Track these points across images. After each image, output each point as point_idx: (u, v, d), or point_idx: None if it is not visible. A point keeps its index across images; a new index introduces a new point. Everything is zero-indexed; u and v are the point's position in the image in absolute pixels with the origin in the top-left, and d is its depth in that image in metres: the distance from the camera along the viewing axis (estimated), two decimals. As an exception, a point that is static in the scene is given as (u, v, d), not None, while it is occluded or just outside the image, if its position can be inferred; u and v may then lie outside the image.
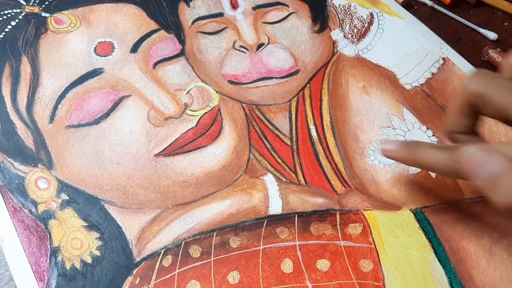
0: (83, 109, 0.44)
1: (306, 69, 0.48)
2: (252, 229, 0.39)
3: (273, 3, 0.52)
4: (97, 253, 0.38)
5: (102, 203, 0.40)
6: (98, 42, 0.48)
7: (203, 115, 0.44)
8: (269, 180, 0.41)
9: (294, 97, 0.46)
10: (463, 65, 0.48)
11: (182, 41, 0.49)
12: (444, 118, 0.40)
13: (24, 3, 0.50)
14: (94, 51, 0.47)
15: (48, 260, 0.37)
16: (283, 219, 0.39)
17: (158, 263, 0.37)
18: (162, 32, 0.49)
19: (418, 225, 0.38)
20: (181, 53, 0.48)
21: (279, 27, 0.51)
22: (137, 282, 0.36)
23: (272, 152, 0.43)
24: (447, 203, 0.39)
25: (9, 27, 0.48)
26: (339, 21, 0.52)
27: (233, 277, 0.36)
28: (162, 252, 0.38)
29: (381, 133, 0.44)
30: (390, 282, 0.36)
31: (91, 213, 0.39)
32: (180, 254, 0.38)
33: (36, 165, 0.41)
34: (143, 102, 0.45)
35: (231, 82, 0.47)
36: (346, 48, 0.50)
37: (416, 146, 0.35)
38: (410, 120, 0.44)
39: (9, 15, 0.49)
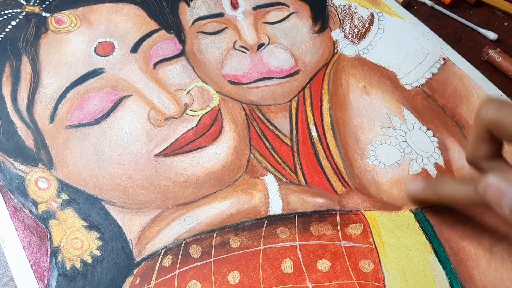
0: (83, 109, 0.44)
1: (306, 69, 0.48)
2: (253, 229, 0.39)
3: (274, 3, 0.52)
4: (98, 253, 0.38)
5: (103, 203, 0.40)
6: (99, 42, 0.48)
7: (203, 115, 0.44)
8: (270, 180, 0.41)
9: (294, 97, 0.46)
10: (463, 66, 0.48)
11: (182, 41, 0.49)
12: (465, 147, 0.41)
13: (25, 3, 0.50)
14: (95, 51, 0.47)
15: (48, 260, 0.37)
16: (284, 219, 0.39)
17: (158, 263, 0.37)
18: (163, 32, 0.49)
19: (418, 226, 0.38)
20: (182, 53, 0.48)
21: (280, 27, 0.51)
22: (137, 282, 0.36)
23: (273, 152, 0.43)
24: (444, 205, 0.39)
25: (10, 27, 0.48)
26: (340, 21, 0.52)
27: (234, 277, 0.36)
28: (162, 252, 0.38)
29: (381, 134, 0.44)
30: (391, 283, 0.36)
31: (91, 213, 0.39)
32: (180, 254, 0.38)
33: (36, 165, 0.41)
34: (143, 102, 0.45)
35: (231, 82, 0.47)
36: (347, 48, 0.50)
37: (437, 183, 0.37)
38: (411, 121, 0.44)
39: (9, 15, 0.49)
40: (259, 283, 0.36)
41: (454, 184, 0.35)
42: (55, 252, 0.38)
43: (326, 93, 0.46)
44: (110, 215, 0.39)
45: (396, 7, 0.54)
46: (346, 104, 0.46)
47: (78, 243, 0.38)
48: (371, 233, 0.38)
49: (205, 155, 0.42)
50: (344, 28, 0.51)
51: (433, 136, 0.44)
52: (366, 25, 0.52)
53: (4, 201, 0.40)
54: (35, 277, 0.37)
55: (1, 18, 0.49)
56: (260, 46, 0.49)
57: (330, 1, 0.53)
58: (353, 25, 0.52)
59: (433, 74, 0.48)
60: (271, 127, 0.44)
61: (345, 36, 0.51)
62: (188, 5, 0.52)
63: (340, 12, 0.53)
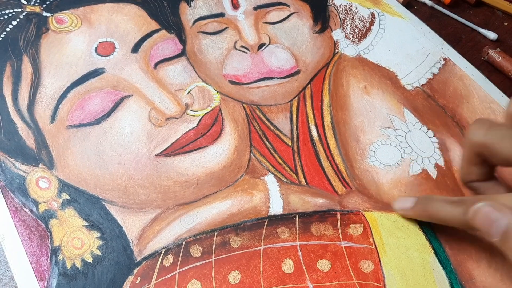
0: (84, 109, 0.44)
1: (307, 69, 0.48)
2: (253, 229, 0.39)
3: (274, 3, 0.52)
4: (98, 252, 0.38)
5: (103, 203, 0.40)
6: (99, 42, 0.48)
7: (204, 115, 0.44)
8: (270, 180, 0.41)
9: (295, 97, 0.46)
10: (464, 66, 0.48)
11: (183, 41, 0.49)
12: (459, 169, 0.41)
13: (25, 3, 0.50)
14: (95, 51, 0.47)
15: (48, 259, 0.37)
16: (284, 219, 0.39)
17: (159, 263, 0.37)
18: (163, 32, 0.49)
19: (418, 226, 0.38)
20: (182, 53, 0.48)
21: (280, 27, 0.51)
22: (137, 281, 0.37)
23: (273, 152, 0.43)
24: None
25: (10, 26, 0.48)
26: (340, 21, 0.52)
27: (234, 277, 0.36)
28: (163, 252, 0.38)
29: (382, 134, 0.44)
30: (391, 283, 0.36)
31: (92, 213, 0.39)
32: (181, 253, 0.38)
33: (37, 165, 0.41)
34: (144, 102, 0.45)
35: (232, 82, 0.47)
36: (347, 48, 0.50)
37: (428, 202, 0.36)
38: (411, 121, 0.44)
39: (10, 15, 0.49)
40: (260, 283, 0.36)
41: (444, 205, 0.34)
42: (55, 251, 0.38)
43: (326, 93, 0.46)
44: (111, 215, 0.40)
45: (397, 6, 0.54)
46: (347, 104, 0.46)
47: (78, 242, 0.38)
48: (372, 234, 0.38)
49: (206, 155, 0.42)
50: (345, 28, 0.51)
51: (433, 136, 0.44)
52: (367, 25, 0.52)
53: (5, 200, 0.40)
54: (36, 276, 0.37)
55: (2, 18, 0.49)
56: (261, 46, 0.49)
57: (330, 1, 0.53)
58: (354, 25, 0.52)
59: (434, 74, 0.48)
60: (271, 127, 0.44)
61: (345, 36, 0.51)
62: (189, 5, 0.52)
63: (341, 12, 0.53)
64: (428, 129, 0.44)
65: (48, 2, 0.50)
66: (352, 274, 0.36)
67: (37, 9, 0.50)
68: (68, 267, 0.37)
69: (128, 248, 0.38)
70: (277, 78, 0.47)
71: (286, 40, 0.50)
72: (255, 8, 0.51)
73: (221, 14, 0.51)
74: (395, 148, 0.43)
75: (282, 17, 0.51)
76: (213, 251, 0.38)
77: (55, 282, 0.36)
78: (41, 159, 0.42)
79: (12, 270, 0.37)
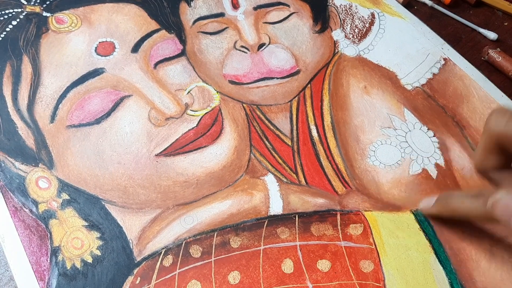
0: (84, 109, 0.44)
1: (307, 69, 0.48)
2: (253, 229, 0.39)
3: (274, 3, 0.52)
4: (98, 252, 0.38)
5: (103, 203, 0.40)
6: (99, 42, 0.48)
7: (204, 115, 0.44)
8: (270, 180, 0.41)
9: (295, 97, 0.46)
10: (464, 66, 0.48)
11: (183, 41, 0.49)
12: (473, 156, 0.41)
13: (25, 3, 0.50)
14: (95, 51, 0.47)
15: (48, 259, 0.37)
16: (284, 219, 0.39)
17: (158, 263, 0.37)
18: (163, 32, 0.49)
19: (418, 226, 0.38)
20: (182, 53, 0.48)
21: (280, 27, 0.51)
22: (137, 282, 0.36)
23: (273, 152, 0.43)
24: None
25: (10, 26, 0.48)
26: (340, 21, 0.52)
27: (234, 277, 0.36)
28: (162, 252, 0.38)
29: (382, 134, 0.44)
30: (391, 283, 0.36)
31: (91, 213, 0.39)
32: (180, 254, 0.38)
33: (37, 164, 0.41)
34: (144, 102, 0.45)
35: (232, 82, 0.47)
36: (347, 48, 0.50)
37: (448, 198, 0.37)
38: (411, 121, 0.44)
39: (10, 15, 0.49)
40: (260, 283, 0.36)
41: (464, 199, 0.35)
42: (55, 251, 0.38)
43: (326, 93, 0.46)
44: (111, 215, 0.39)
45: (397, 7, 0.54)
46: (347, 104, 0.46)
47: (78, 242, 0.38)
48: (372, 234, 0.38)
49: (206, 155, 0.42)
50: (345, 28, 0.51)
51: (433, 136, 0.44)
52: (367, 25, 0.52)
53: (5, 200, 0.40)
54: (36, 276, 0.37)
55: (2, 18, 0.49)
56: (261, 46, 0.49)
57: (330, 1, 0.53)
58: (354, 25, 0.52)
59: (434, 74, 0.48)
60: (271, 127, 0.44)
61: (345, 36, 0.51)
62: (189, 5, 0.52)
63: (341, 12, 0.53)
64: (428, 129, 0.44)
65: (48, 2, 0.50)
66: (352, 274, 0.36)
67: (37, 9, 0.50)
68: (68, 268, 0.37)
69: (128, 248, 0.38)
70: (277, 78, 0.47)
71: (286, 40, 0.50)
72: (255, 8, 0.51)
73: (221, 14, 0.51)
74: (395, 148, 0.43)
75: (282, 17, 0.51)
76: (213, 251, 0.38)
77: (55, 283, 0.36)
78: (40, 159, 0.42)
79: (12, 270, 0.37)
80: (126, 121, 0.44)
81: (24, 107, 0.44)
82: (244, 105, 0.46)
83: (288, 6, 0.52)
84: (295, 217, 0.39)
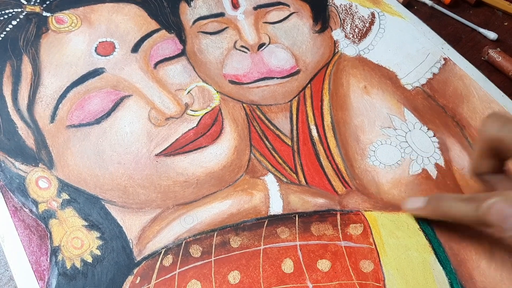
0: (84, 109, 0.44)
1: (307, 69, 0.48)
2: (253, 229, 0.39)
3: (274, 3, 0.52)
4: (98, 252, 0.38)
5: (103, 203, 0.40)
6: (99, 42, 0.48)
7: (204, 115, 0.44)
8: (270, 180, 0.41)
9: (295, 97, 0.46)
10: (464, 66, 0.48)
11: (183, 41, 0.49)
12: (470, 160, 0.42)
13: (25, 3, 0.50)
14: (95, 50, 0.47)
15: (48, 259, 0.37)
16: (284, 219, 0.39)
17: (158, 263, 0.37)
18: (163, 32, 0.49)
19: (418, 226, 0.38)
20: (182, 53, 0.48)
21: (280, 27, 0.51)
22: (137, 281, 0.36)
23: (273, 152, 0.43)
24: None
25: (10, 26, 0.48)
26: (340, 21, 0.52)
27: (234, 277, 0.36)
28: (162, 252, 0.38)
29: (382, 134, 0.44)
30: (391, 283, 0.36)
31: (91, 213, 0.39)
32: (180, 253, 0.38)
33: (37, 164, 0.41)
34: (144, 102, 0.45)
35: (232, 82, 0.47)
36: (347, 48, 0.50)
37: (440, 200, 0.36)
38: (411, 121, 0.44)
39: (10, 15, 0.49)
40: (260, 283, 0.36)
41: (457, 203, 0.34)
42: (55, 251, 0.38)
43: (326, 93, 0.46)
44: (111, 215, 0.39)
45: (397, 6, 0.54)
46: (347, 104, 0.46)
47: (78, 242, 0.38)
48: (372, 234, 0.38)
49: (206, 155, 0.42)
50: (345, 28, 0.51)
51: (433, 136, 0.44)
52: (367, 24, 0.52)
53: (5, 200, 0.40)
54: (35, 276, 0.37)
55: (2, 18, 0.49)
56: (261, 46, 0.49)
57: (330, 1, 0.53)
58: (354, 25, 0.52)
59: (434, 74, 0.48)
60: (271, 127, 0.44)
61: (345, 36, 0.51)
62: (189, 5, 0.52)
63: (341, 11, 0.53)
64: (428, 129, 0.44)
65: (48, 2, 0.50)
66: (352, 274, 0.36)
67: (37, 9, 0.50)
68: (68, 267, 0.37)
69: (128, 248, 0.38)
70: (277, 78, 0.47)
71: (286, 40, 0.50)
72: (255, 8, 0.51)
73: (221, 14, 0.51)
74: (395, 148, 0.43)
75: (282, 17, 0.51)
76: (213, 251, 0.38)
77: (54, 282, 0.36)
78: (40, 159, 0.42)
79: (12, 270, 0.37)
80: (126, 121, 0.44)
81: (24, 107, 0.44)
82: (244, 105, 0.46)
83: (288, 6, 0.52)
84: (295, 217, 0.39)
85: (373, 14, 0.53)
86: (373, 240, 0.38)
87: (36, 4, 0.50)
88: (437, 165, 0.42)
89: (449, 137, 0.44)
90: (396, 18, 0.53)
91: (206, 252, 0.37)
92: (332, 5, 0.53)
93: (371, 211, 0.39)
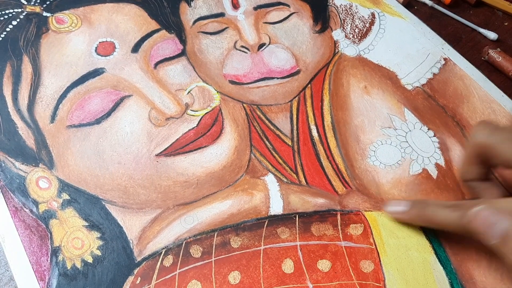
0: (84, 109, 0.44)
1: (307, 69, 0.48)
2: (253, 229, 0.39)
3: (274, 3, 0.52)
4: (98, 252, 0.38)
5: (103, 203, 0.40)
6: (99, 42, 0.48)
7: (204, 115, 0.44)
8: (270, 180, 0.41)
9: (295, 97, 0.46)
10: (464, 66, 0.48)
11: (183, 41, 0.49)
12: (458, 166, 0.42)
13: (25, 3, 0.50)
14: (95, 51, 0.47)
15: (49, 259, 0.37)
16: (284, 219, 0.39)
17: (159, 263, 0.37)
18: (163, 32, 0.49)
19: (418, 226, 0.38)
20: (182, 53, 0.48)
21: (280, 27, 0.51)
22: (138, 282, 0.36)
23: (273, 152, 0.43)
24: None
25: (10, 26, 0.48)
26: (340, 21, 0.52)
27: (234, 277, 0.36)
28: (163, 252, 0.38)
29: (382, 134, 0.44)
30: (391, 283, 0.36)
31: (92, 213, 0.39)
32: (181, 254, 0.38)
33: (37, 164, 0.41)
34: (144, 102, 0.45)
35: (232, 82, 0.47)
36: (347, 48, 0.50)
37: (424, 206, 0.36)
38: (411, 121, 0.44)
39: (10, 15, 0.49)
40: (260, 283, 0.36)
41: (441, 210, 0.34)
42: (55, 251, 0.38)
43: (327, 93, 0.46)
44: (111, 215, 0.40)
45: (397, 6, 0.54)
46: (347, 104, 0.46)
47: (78, 242, 0.38)
48: (372, 234, 0.38)
49: (206, 155, 0.42)
50: (345, 28, 0.51)
51: (434, 136, 0.44)
52: (367, 25, 0.52)
53: (5, 200, 0.40)
54: (36, 276, 0.37)
55: (2, 18, 0.49)
56: (261, 46, 0.49)
57: (331, 1, 0.53)
58: (354, 25, 0.52)
59: (434, 74, 0.48)
60: (271, 127, 0.44)
61: (346, 36, 0.51)
62: (189, 5, 0.52)
63: (341, 12, 0.53)
64: (428, 129, 0.44)
65: (48, 2, 0.50)
66: (352, 274, 0.36)
67: (37, 9, 0.50)
68: (68, 268, 0.37)
69: (128, 248, 0.38)
70: (277, 78, 0.47)
71: (286, 40, 0.50)
72: (255, 8, 0.51)
73: (221, 14, 0.51)
74: (395, 148, 0.43)
75: (282, 17, 0.51)
76: (213, 251, 0.38)
77: (55, 283, 0.36)
78: (41, 159, 0.42)
79: (12, 270, 0.37)
80: (127, 121, 0.44)
81: (24, 107, 0.44)
82: (244, 105, 0.46)
83: (288, 6, 0.52)
84: (295, 217, 0.39)
85: (373, 15, 0.53)
86: (374, 240, 0.38)
87: (36, 4, 0.50)
88: (437, 165, 0.42)
89: (449, 137, 0.44)
90: (396, 18, 0.53)
91: (207, 253, 0.37)
92: (332, 5, 0.53)
93: (371, 211, 0.39)
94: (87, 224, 0.39)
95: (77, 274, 0.37)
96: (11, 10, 0.50)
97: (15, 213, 0.39)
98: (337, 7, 0.53)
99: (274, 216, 0.39)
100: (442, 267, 0.36)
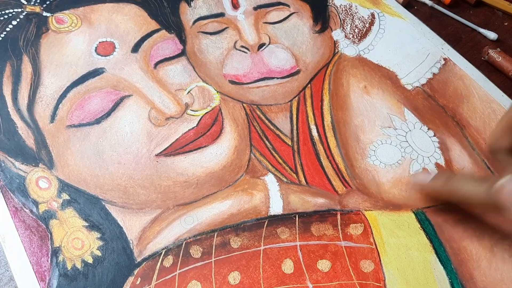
0: (84, 108, 0.44)
1: (307, 69, 0.48)
2: (253, 230, 0.39)
3: (274, 3, 0.52)
4: (98, 253, 0.38)
5: (103, 203, 0.40)
6: (99, 42, 0.48)
7: (204, 115, 0.44)
8: (270, 180, 0.41)
9: (295, 97, 0.46)
10: (464, 66, 0.48)
11: (183, 41, 0.49)
12: (489, 135, 0.41)
13: (25, 3, 0.50)
14: (95, 50, 0.47)
15: (49, 260, 0.37)
16: (284, 219, 0.39)
17: (159, 264, 0.37)
18: (163, 32, 0.49)
19: (419, 226, 0.38)
20: (182, 53, 0.48)
21: (280, 27, 0.51)
22: (138, 282, 0.36)
23: (273, 152, 0.43)
24: (448, 204, 0.39)
25: (10, 26, 0.48)
26: (340, 21, 0.52)
27: (234, 277, 0.36)
28: (163, 253, 0.38)
29: (382, 133, 0.44)
30: (391, 283, 0.36)
31: (92, 213, 0.39)
32: (181, 254, 0.38)
33: (37, 164, 0.41)
34: (144, 102, 0.45)
35: (232, 82, 0.47)
36: (347, 48, 0.50)
37: (450, 178, 0.35)
38: (411, 121, 0.44)
39: (10, 15, 0.49)
40: (260, 284, 0.36)
41: (466, 182, 0.34)
42: (56, 252, 0.38)
43: (326, 93, 0.46)
44: (111, 215, 0.39)
45: (396, 7, 0.54)
46: (347, 104, 0.46)
47: (79, 243, 0.38)
48: (372, 233, 0.38)
49: (206, 155, 0.42)
50: (345, 28, 0.51)
51: (433, 136, 0.44)
52: (367, 25, 0.52)
53: (5, 200, 0.40)
54: (36, 277, 0.37)
55: (2, 18, 0.49)
56: (261, 46, 0.49)
57: (330, 1, 0.53)
58: (354, 25, 0.52)
59: (434, 74, 0.48)
60: (271, 127, 0.44)
61: (345, 36, 0.51)
62: (189, 5, 0.52)
63: (341, 12, 0.53)
64: (428, 129, 0.44)
65: (48, 2, 0.50)
66: (352, 274, 0.36)
67: (37, 9, 0.50)
68: (69, 268, 0.37)
69: (128, 248, 0.38)
70: (277, 78, 0.47)
71: (286, 40, 0.50)
72: (255, 8, 0.51)
73: (221, 14, 0.51)
74: (395, 148, 0.43)
75: (282, 17, 0.51)
76: (213, 251, 0.38)
77: (55, 283, 0.36)
78: (41, 159, 0.42)
79: (12, 271, 0.37)
80: (126, 121, 0.44)
81: (24, 107, 0.44)
82: (244, 105, 0.46)
83: (288, 6, 0.52)
84: (295, 217, 0.39)
85: (373, 15, 0.53)
86: (374, 240, 0.38)
87: (36, 4, 0.50)
88: (437, 165, 0.42)
89: (449, 137, 0.44)
90: (396, 18, 0.53)
91: (206, 253, 0.37)
92: (332, 5, 0.53)
93: (371, 210, 0.39)
94: (87, 224, 0.39)
95: (77, 275, 0.37)
96: (11, 10, 0.50)
97: (15, 213, 0.39)
98: (337, 7, 0.53)
99: (274, 216, 0.39)
100: (442, 267, 0.36)
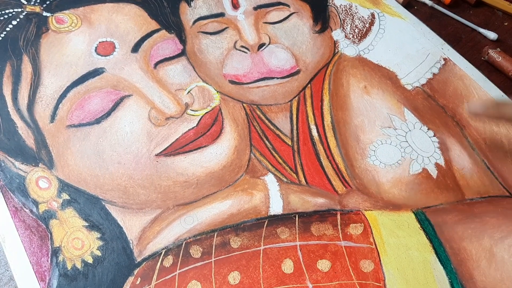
0: (84, 108, 0.44)
1: (307, 69, 0.48)
2: (253, 230, 0.39)
3: (274, 3, 0.52)
4: (98, 253, 0.38)
5: (103, 203, 0.40)
6: (99, 42, 0.48)
7: (204, 115, 0.44)
8: (270, 180, 0.41)
9: (295, 97, 0.46)
10: (464, 66, 0.48)
11: (183, 41, 0.49)
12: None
13: (25, 3, 0.50)
14: (95, 50, 0.47)
15: (49, 260, 0.37)
16: (284, 219, 0.39)
17: (159, 264, 0.37)
18: (163, 32, 0.49)
19: (419, 226, 0.38)
20: (182, 53, 0.48)
21: (280, 27, 0.51)
22: (138, 282, 0.36)
23: (273, 152, 0.43)
24: (448, 204, 0.39)
25: (10, 26, 0.48)
26: (340, 21, 0.52)
27: (234, 277, 0.36)
28: (163, 253, 0.38)
29: (382, 134, 0.44)
30: (391, 283, 0.36)
31: (92, 213, 0.39)
32: (181, 254, 0.38)
33: (37, 164, 0.41)
34: (144, 102, 0.45)
35: (232, 82, 0.47)
36: (347, 48, 0.50)
37: (502, 103, 0.38)
38: (411, 121, 0.44)
39: (10, 15, 0.49)
40: (260, 283, 0.36)
41: None
42: (56, 252, 0.38)
43: (326, 93, 0.46)
44: (111, 215, 0.40)
45: (397, 7, 0.54)
46: (347, 104, 0.46)
47: (79, 243, 0.38)
48: (372, 233, 0.38)
49: (206, 155, 0.42)
50: (345, 28, 0.51)
51: (433, 136, 0.44)
52: (367, 25, 0.52)
53: (5, 200, 0.40)
54: (36, 277, 0.37)
55: (2, 18, 0.49)
56: (261, 46, 0.49)
57: (331, 1, 0.53)
58: (354, 25, 0.52)
59: (434, 74, 0.48)
60: (271, 127, 0.44)
61: (345, 36, 0.51)
62: (189, 5, 0.52)
63: (341, 12, 0.53)
64: (428, 129, 0.44)
65: (48, 2, 0.50)
66: (352, 274, 0.36)
67: (37, 9, 0.50)
68: (69, 268, 0.37)
69: (128, 248, 0.38)
70: (277, 78, 0.47)
71: (286, 40, 0.50)
72: (255, 8, 0.51)
73: (221, 14, 0.51)
74: (395, 148, 0.43)
75: (282, 17, 0.51)
76: (213, 251, 0.38)
77: (55, 283, 0.36)
78: (40, 159, 0.42)
79: (12, 271, 0.37)
80: (126, 121, 0.44)
81: (24, 107, 0.44)
82: (244, 105, 0.46)
83: (288, 6, 0.52)
84: (295, 217, 0.39)
85: (373, 15, 0.53)
86: (374, 240, 0.38)
87: (36, 4, 0.50)
88: (437, 165, 0.42)
89: (449, 137, 0.44)
90: (396, 19, 0.53)
91: (206, 253, 0.37)
92: (332, 5, 0.53)
93: (371, 210, 0.39)
94: (87, 224, 0.39)
95: (77, 275, 0.37)
96: (11, 10, 0.50)
97: (15, 213, 0.39)
98: (337, 7, 0.53)
99: (274, 216, 0.39)
100: (442, 267, 0.36)
